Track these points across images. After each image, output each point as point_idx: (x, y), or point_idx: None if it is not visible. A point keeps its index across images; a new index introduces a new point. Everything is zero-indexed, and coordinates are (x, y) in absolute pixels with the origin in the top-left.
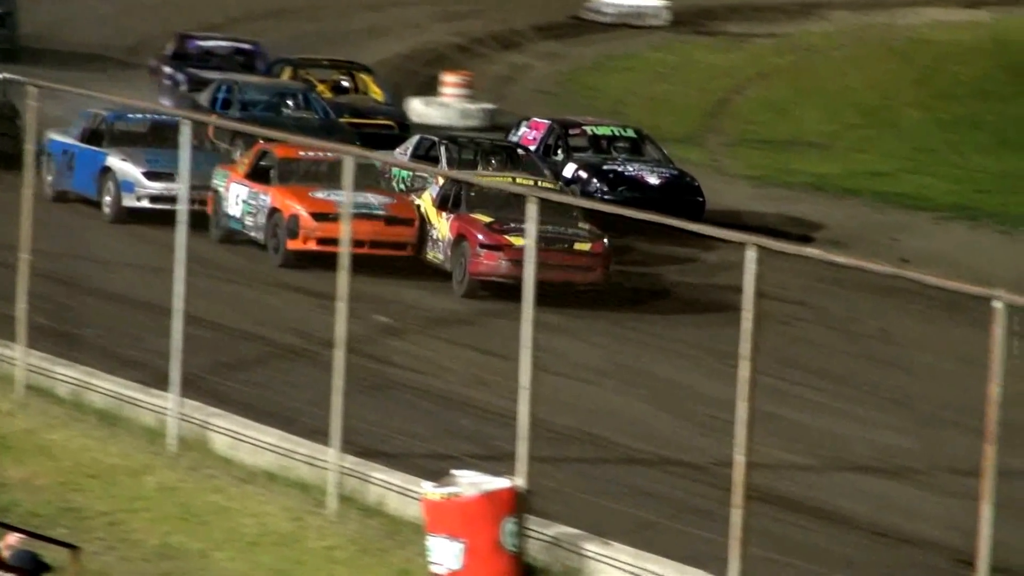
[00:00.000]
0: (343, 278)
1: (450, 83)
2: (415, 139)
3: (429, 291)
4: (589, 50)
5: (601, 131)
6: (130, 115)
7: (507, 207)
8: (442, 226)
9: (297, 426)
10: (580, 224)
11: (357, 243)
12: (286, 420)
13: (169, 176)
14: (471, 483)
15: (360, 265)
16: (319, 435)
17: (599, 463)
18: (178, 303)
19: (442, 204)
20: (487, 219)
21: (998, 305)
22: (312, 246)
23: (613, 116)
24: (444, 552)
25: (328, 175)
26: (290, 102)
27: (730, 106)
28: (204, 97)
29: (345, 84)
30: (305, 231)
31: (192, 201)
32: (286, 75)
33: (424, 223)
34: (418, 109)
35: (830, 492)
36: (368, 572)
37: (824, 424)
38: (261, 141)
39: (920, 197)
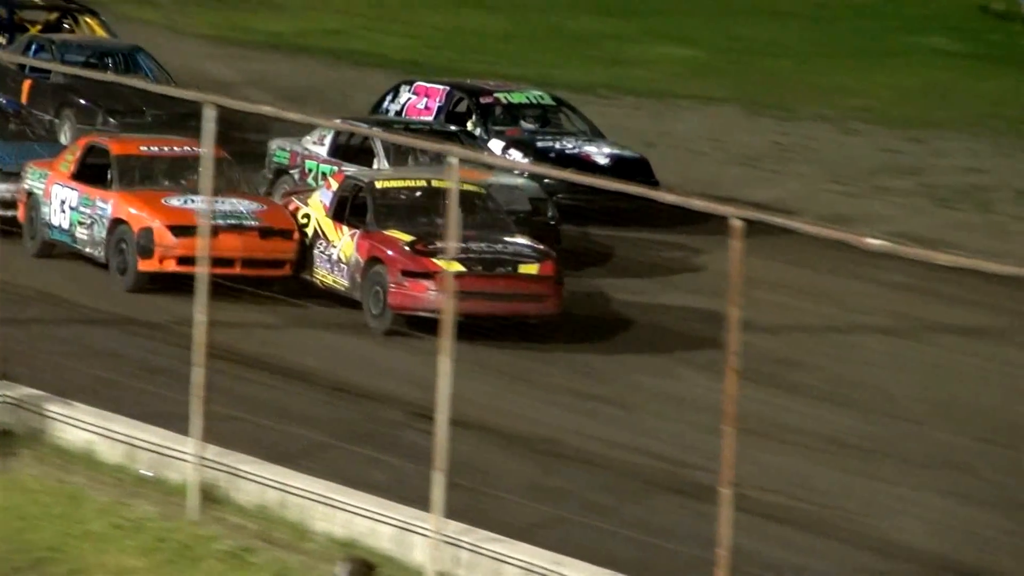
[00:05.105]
0: None
1: None
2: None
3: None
4: None
5: (515, 99)
6: None
7: (425, 218)
8: (345, 245)
9: None
10: (521, 239)
11: (225, 262)
12: None
13: (16, 176)
14: None
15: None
16: None
17: (62, 324)
18: None
19: (338, 214)
20: (407, 238)
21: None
22: (171, 267)
23: None
24: None
25: (177, 175)
26: (112, 64)
27: None
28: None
29: (66, 28)
30: (162, 248)
31: (9, 204)
32: None
33: (305, 236)
34: None
35: (291, 350)
36: None
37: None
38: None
39: (373, 54)
